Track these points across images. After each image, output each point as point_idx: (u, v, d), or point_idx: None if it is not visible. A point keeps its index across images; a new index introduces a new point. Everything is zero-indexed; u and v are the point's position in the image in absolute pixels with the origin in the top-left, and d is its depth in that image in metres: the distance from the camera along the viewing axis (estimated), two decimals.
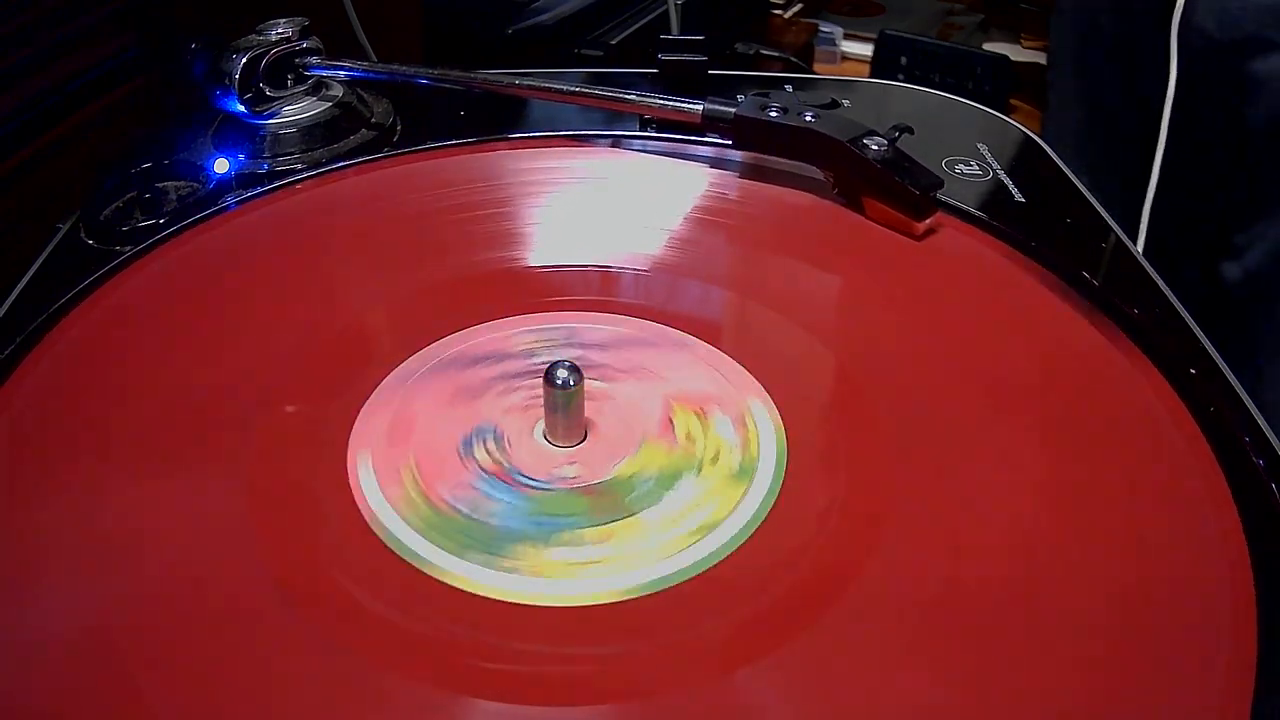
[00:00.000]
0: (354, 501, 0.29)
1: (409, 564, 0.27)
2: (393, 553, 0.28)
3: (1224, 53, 0.58)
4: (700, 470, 0.30)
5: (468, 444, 0.31)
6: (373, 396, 0.32)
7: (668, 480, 0.30)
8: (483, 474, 0.30)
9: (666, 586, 0.26)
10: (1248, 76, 0.57)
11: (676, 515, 0.29)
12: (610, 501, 0.29)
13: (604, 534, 0.28)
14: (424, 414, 0.32)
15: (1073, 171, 0.45)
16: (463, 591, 0.26)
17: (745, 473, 0.30)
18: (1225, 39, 0.58)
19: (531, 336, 0.35)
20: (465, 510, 0.29)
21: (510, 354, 0.34)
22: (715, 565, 0.27)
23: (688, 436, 0.31)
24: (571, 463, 0.30)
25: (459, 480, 0.30)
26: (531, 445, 0.31)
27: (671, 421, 0.32)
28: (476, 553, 0.27)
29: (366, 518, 0.28)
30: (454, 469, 0.30)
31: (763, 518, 0.28)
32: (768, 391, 0.32)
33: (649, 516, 0.29)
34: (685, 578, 0.27)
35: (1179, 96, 0.61)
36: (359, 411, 0.32)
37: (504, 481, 0.30)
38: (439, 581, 0.27)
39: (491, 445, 0.31)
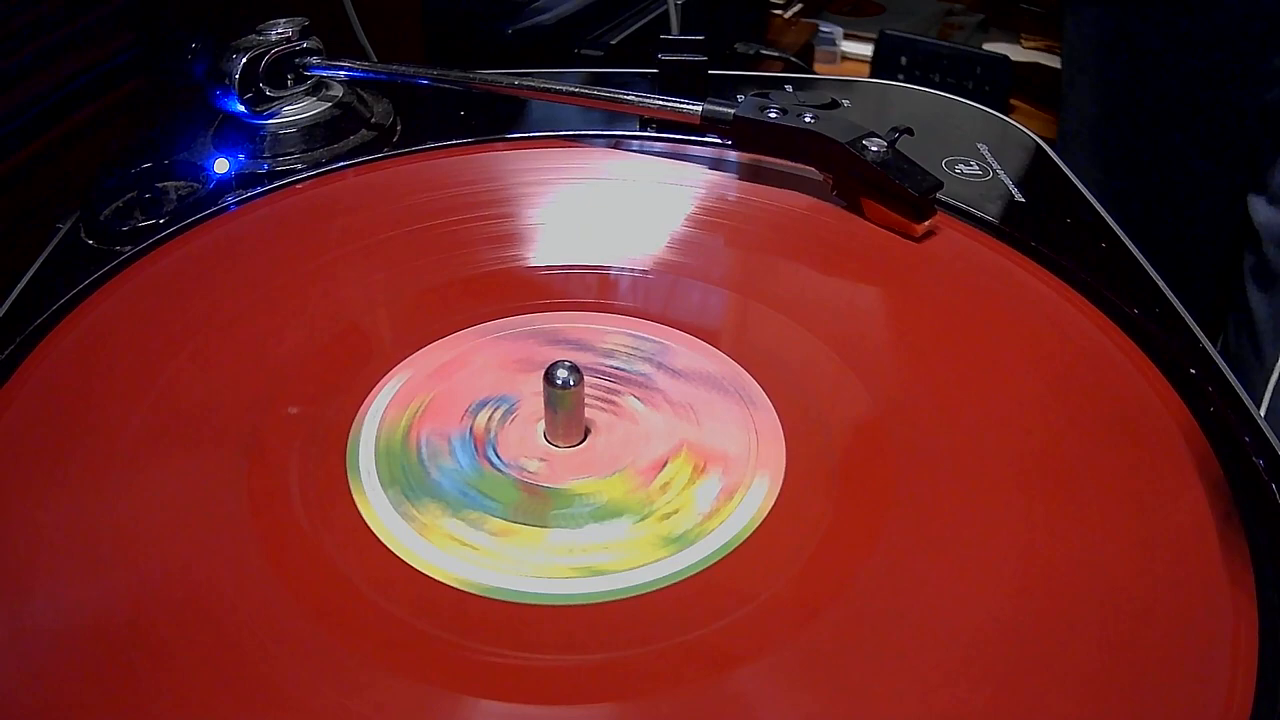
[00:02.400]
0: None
1: (345, 473, 0.30)
2: (344, 461, 0.30)
3: (1248, 40, 0.59)
4: (643, 519, 0.29)
5: (481, 404, 0.32)
6: (459, 334, 0.34)
7: (606, 514, 0.29)
8: (466, 434, 0.31)
9: (504, 599, 0.26)
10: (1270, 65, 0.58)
11: (579, 548, 0.28)
12: (538, 507, 0.29)
13: (505, 529, 0.28)
14: (479, 364, 0.33)
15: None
16: (359, 514, 0.28)
17: (680, 542, 0.28)
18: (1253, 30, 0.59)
19: (624, 339, 0.35)
20: (422, 453, 0.30)
21: (593, 347, 0.34)
22: (564, 606, 0.26)
23: (664, 486, 0.30)
24: (544, 460, 0.30)
25: (443, 429, 0.31)
26: (526, 431, 0.31)
27: (664, 464, 0.30)
28: (396, 490, 0.29)
29: (352, 430, 0.31)
30: (451, 418, 0.32)
31: (648, 590, 0.26)
32: (786, 468, 0.30)
33: (556, 536, 0.28)
34: (529, 601, 0.26)
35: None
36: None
37: (475, 448, 0.31)
38: (350, 496, 0.29)
39: (497, 416, 0.32)
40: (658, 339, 0.35)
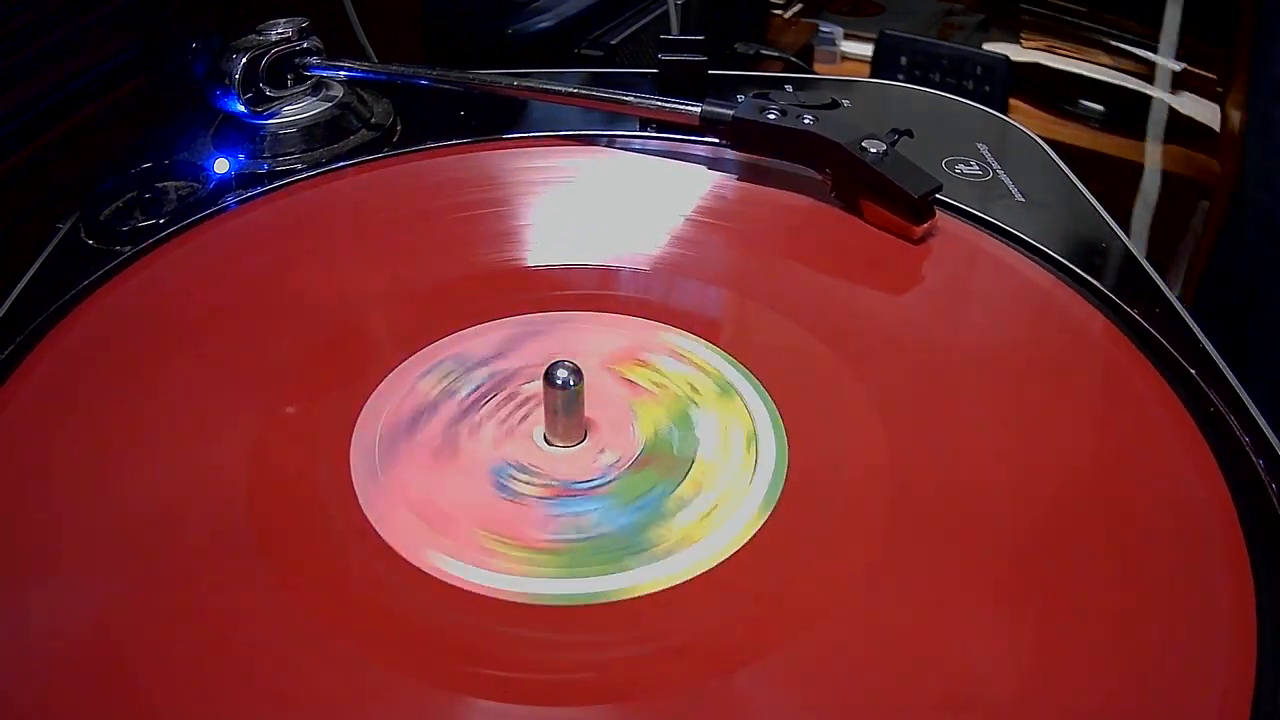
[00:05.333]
0: (460, 590, 0.27)
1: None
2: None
3: None
4: (695, 402, 0.32)
5: (503, 488, 0.30)
6: (361, 499, 0.29)
7: (683, 422, 0.31)
8: (548, 501, 0.29)
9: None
10: None
11: (721, 442, 0.30)
12: (668, 460, 0.30)
13: (694, 485, 0.29)
14: (435, 492, 0.29)
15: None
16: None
17: (725, 389, 0.32)
18: None
19: (433, 378, 0.33)
20: (575, 535, 0.28)
21: (434, 401, 0.32)
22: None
23: (654, 384, 0.33)
24: (601, 451, 0.31)
25: (537, 519, 0.29)
26: (551, 457, 0.31)
27: (630, 380, 0.33)
28: (631, 558, 0.27)
29: (505, 598, 0.26)
30: (521, 514, 0.29)
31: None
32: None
33: (706, 454, 0.30)
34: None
35: None
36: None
37: (571, 496, 0.29)
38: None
39: (523, 476, 0.30)
40: (450, 356, 0.34)
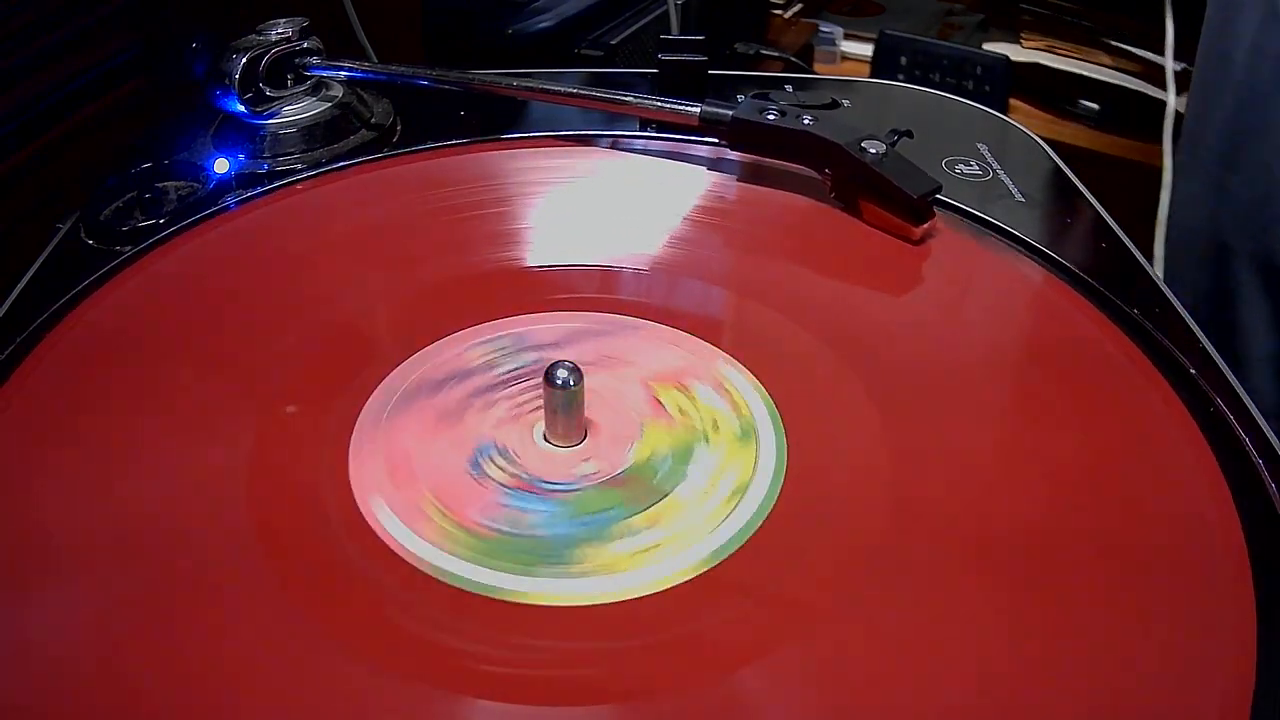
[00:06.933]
0: (390, 550, 0.27)
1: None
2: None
3: None
4: (707, 439, 0.31)
5: (475, 465, 0.30)
6: (352, 441, 0.31)
7: (683, 455, 0.30)
8: (506, 490, 0.29)
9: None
10: None
11: (706, 486, 0.29)
12: (641, 487, 0.29)
13: (650, 519, 0.28)
14: (416, 448, 0.31)
15: None
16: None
17: (748, 433, 0.31)
18: None
19: (485, 348, 0.34)
20: (508, 529, 0.28)
21: (471, 370, 0.33)
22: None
23: (680, 411, 0.32)
24: (585, 459, 0.30)
25: (486, 502, 0.29)
26: (538, 451, 0.31)
27: (659, 400, 0.32)
28: (545, 566, 0.27)
29: (412, 563, 0.27)
30: (475, 492, 0.29)
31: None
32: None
33: (682, 493, 0.29)
34: (739, 544, 0.27)
35: None
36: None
37: (531, 492, 0.29)
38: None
39: (500, 460, 0.30)
40: (510, 331, 0.35)
